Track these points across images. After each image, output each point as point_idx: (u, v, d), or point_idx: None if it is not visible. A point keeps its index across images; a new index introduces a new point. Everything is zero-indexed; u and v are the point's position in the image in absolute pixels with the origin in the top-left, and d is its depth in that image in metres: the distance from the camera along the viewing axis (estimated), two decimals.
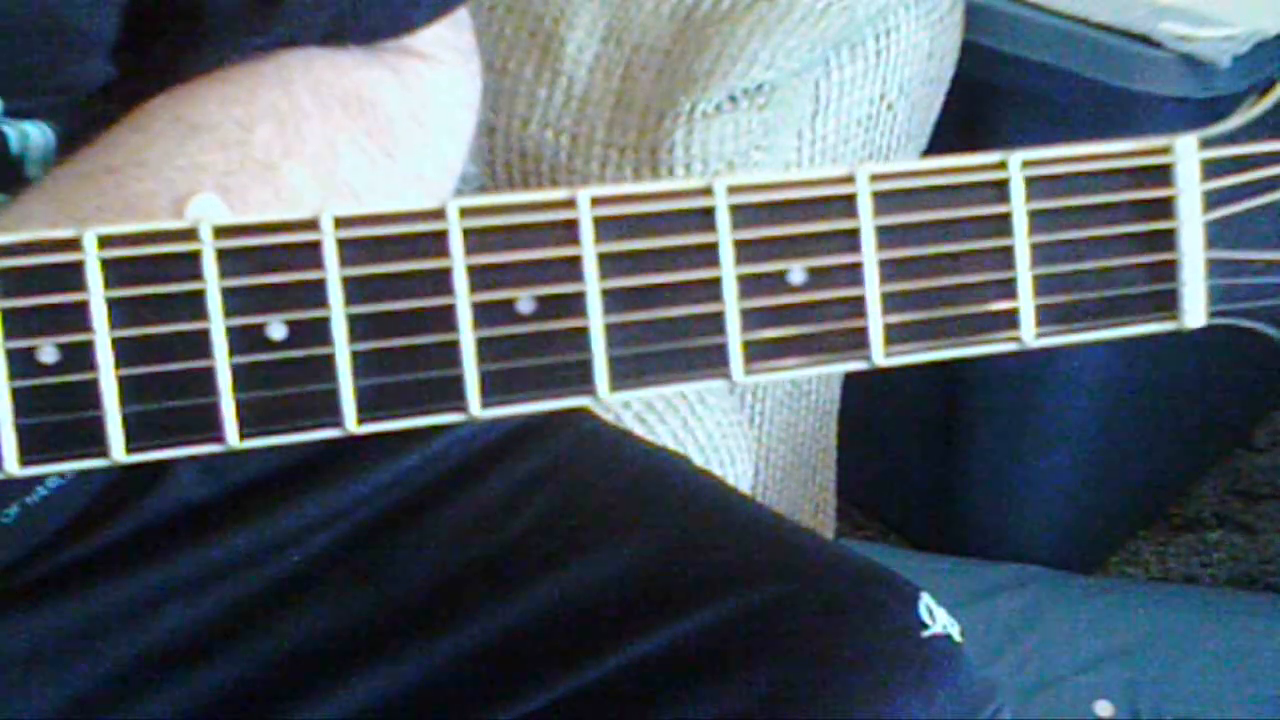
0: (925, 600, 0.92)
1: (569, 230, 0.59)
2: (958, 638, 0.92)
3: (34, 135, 0.80)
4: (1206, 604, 1.92)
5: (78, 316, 0.57)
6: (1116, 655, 1.83)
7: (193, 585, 0.90)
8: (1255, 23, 1.74)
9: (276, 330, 0.58)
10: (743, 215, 0.60)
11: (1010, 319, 0.61)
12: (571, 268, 0.59)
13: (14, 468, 0.57)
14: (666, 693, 0.88)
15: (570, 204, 0.59)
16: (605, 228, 0.59)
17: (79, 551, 0.88)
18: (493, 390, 0.60)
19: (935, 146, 1.78)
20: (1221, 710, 1.77)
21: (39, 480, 0.85)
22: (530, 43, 1.68)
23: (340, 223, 0.58)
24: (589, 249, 0.59)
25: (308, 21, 0.84)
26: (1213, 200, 0.62)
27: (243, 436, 0.59)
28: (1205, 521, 2.11)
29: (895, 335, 0.62)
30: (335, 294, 0.58)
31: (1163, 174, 0.62)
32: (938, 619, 0.91)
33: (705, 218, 0.60)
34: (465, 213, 0.59)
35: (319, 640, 0.91)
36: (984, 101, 1.82)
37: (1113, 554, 2.08)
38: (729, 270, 0.60)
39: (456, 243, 0.59)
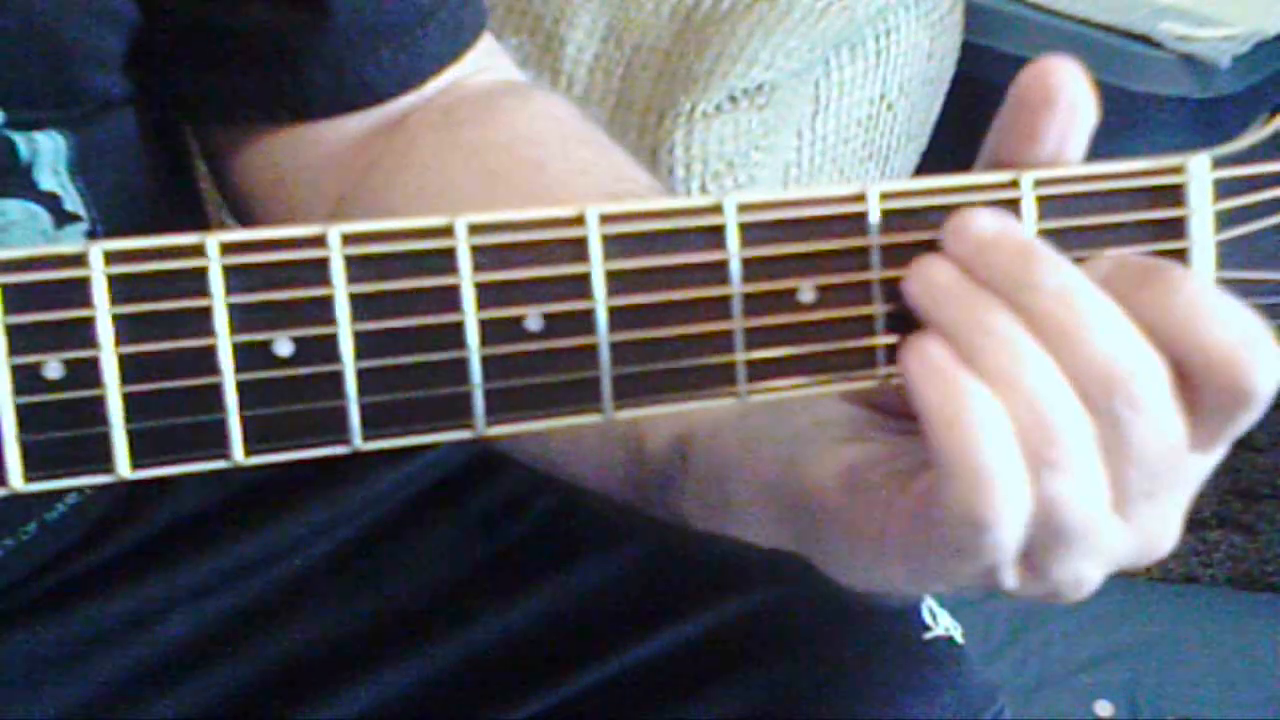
0: (928, 602, 0.92)
1: (578, 247, 0.59)
2: (960, 639, 0.92)
3: (44, 143, 0.80)
4: (1206, 604, 1.92)
5: (84, 332, 0.57)
6: (1116, 655, 1.83)
7: (195, 593, 0.90)
8: (1255, 23, 1.74)
9: (283, 347, 0.58)
10: (752, 233, 0.60)
11: None
12: (580, 285, 0.59)
13: (19, 484, 0.57)
14: (667, 696, 0.88)
15: (579, 221, 0.59)
16: (614, 245, 0.59)
17: (86, 564, 0.88)
18: (500, 408, 0.60)
19: (935, 146, 1.78)
20: (1221, 710, 1.77)
21: (59, 497, 0.85)
22: (530, 43, 1.68)
23: (348, 239, 0.58)
24: (597, 266, 0.59)
25: (364, 52, 0.85)
26: (1224, 220, 0.62)
27: (249, 453, 0.58)
28: (1205, 521, 2.11)
29: None
30: (342, 310, 0.58)
31: (1175, 194, 0.62)
32: (940, 621, 0.91)
33: (714, 235, 0.60)
34: (474, 229, 0.58)
35: (320, 645, 0.91)
36: (984, 101, 1.81)
37: None
38: (738, 288, 0.60)
39: (464, 259, 0.58)
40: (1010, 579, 0.62)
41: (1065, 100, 0.61)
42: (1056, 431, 0.59)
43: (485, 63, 0.90)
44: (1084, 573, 0.63)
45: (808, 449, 0.66)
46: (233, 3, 0.83)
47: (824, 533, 0.66)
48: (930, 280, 0.60)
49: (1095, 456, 0.60)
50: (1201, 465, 0.63)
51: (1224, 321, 0.60)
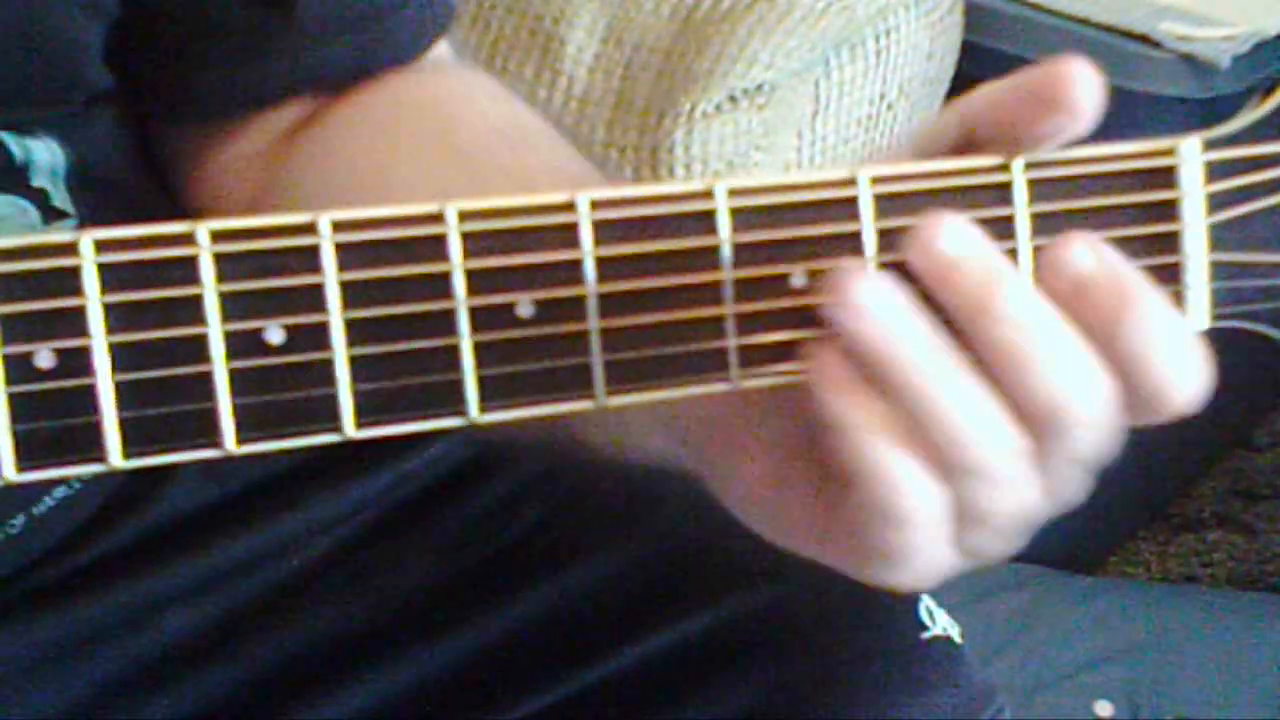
0: (925, 601, 0.92)
1: (568, 233, 0.59)
2: (958, 639, 0.92)
3: (39, 150, 0.80)
4: (1206, 604, 1.92)
5: (75, 321, 0.56)
6: (1116, 655, 1.83)
7: (193, 590, 0.90)
8: (1255, 23, 1.74)
9: (275, 335, 0.58)
10: (743, 218, 0.60)
11: None
12: (571, 271, 0.59)
13: (11, 474, 0.57)
14: (665, 695, 0.88)
15: (570, 207, 0.59)
16: (605, 231, 0.59)
17: (81, 559, 0.88)
18: (492, 394, 0.59)
19: None
20: (1221, 710, 1.77)
21: (46, 490, 0.85)
22: (530, 43, 1.68)
23: (338, 226, 0.58)
24: (588, 252, 0.59)
25: (324, 41, 0.84)
26: (1216, 202, 0.62)
27: (240, 442, 0.58)
28: (1205, 521, 2.11)
29: None
30: (333, 298, 0.58)
31: (1167, 176, 0.62)
32: (938, 620, 0.91)
33: (706, 220, 0.60)
34: (464, 216, 0.58)
35: (319, 644, 0.91)
36: None
37: (1113, 554, 2.08)
38: (729, 273, 0.60)
39: (455, 246, 0.58)
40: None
41: (1078, 111, 0.61)
42: (978, 450, 0.59)
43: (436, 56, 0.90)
44: (1009, 545, 0.63)
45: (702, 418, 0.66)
46: None
47: (737, 501, 0.66)
48: (866, 309, 0.59)
49: (1026, 465, 0.60)
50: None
51: (1177, 360, 0.61)
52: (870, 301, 0.58)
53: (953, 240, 0.60)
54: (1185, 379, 0.61)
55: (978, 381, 0.59)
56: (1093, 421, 0.60)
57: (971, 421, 0.59)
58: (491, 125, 0.83)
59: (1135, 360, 0.60)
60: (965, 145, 0.62)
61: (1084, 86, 0.60)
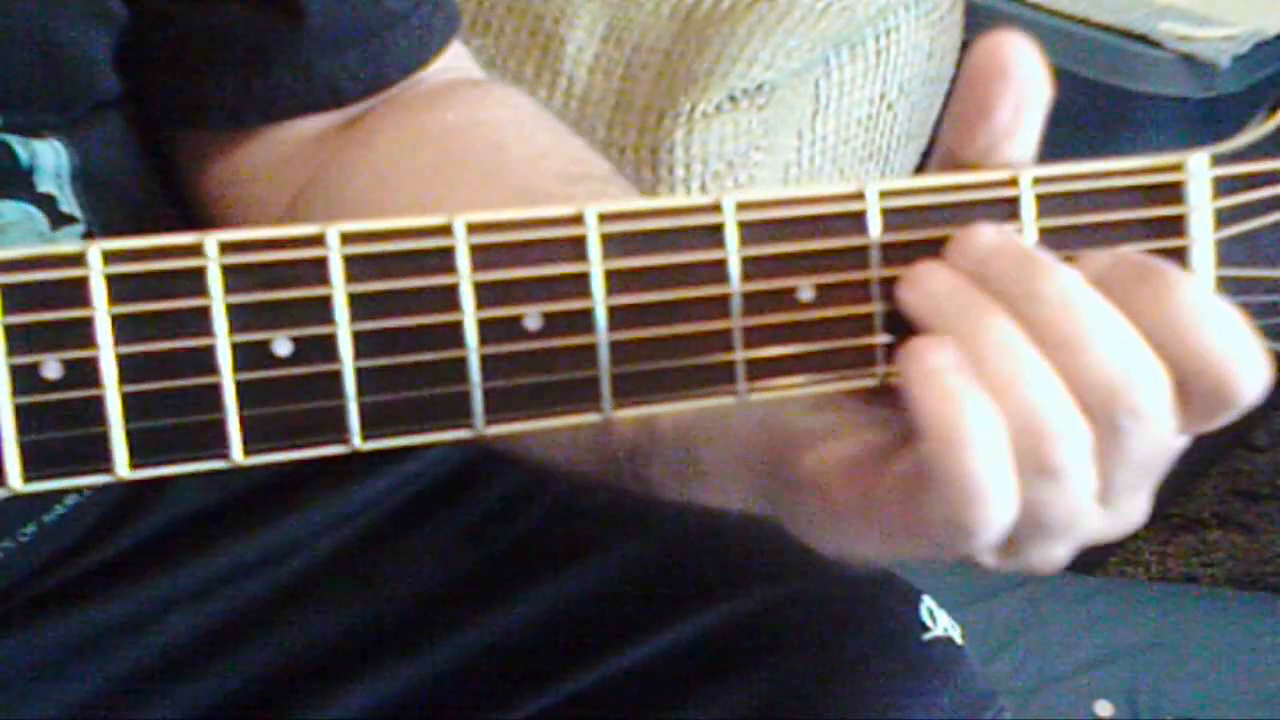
0: (927, 602, 0.92)
1: (577, 246, 0.59)
2: (959, 640, 0.92)
3: (44, 153, 0.80)
4: (1206, 604, 1.92)
5: (82, 332, 0.56)
6: (1116, 655, 1.83)
7: (196, 593, 0.90)
8: (1255, 23, 1.74)
9: (282, 346, 0.58)
10: (751, 231, 0.60)
11: None
12: (579, 284, 0.59)
13: (18, 484, 0.57)
14: (666, 696, 0.88)
15: (578, 220, 0.59)
16: (613, 244, 0.59)
17: (87, 564, 0.88)
18: (499, 407, 0.59)
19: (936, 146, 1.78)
20: (1221, 710, 1.77)
21: (57, 499, 0.85)
22: (530, 43, 1.68)
23: (347, 238, 0.58)
24: (596, 265, 0.59)
25: (333, 53, 0.85)
26: (1224, 218, 0.62)
27: (247, 453, 0.58)
28: (1205, 521, 2.11)
29: None
30: (341, 310, 0.58)
31: (1174, 191, 0.62)
32: (939, 621, 0.91)
33: (714, 234, 0.60)
34: (472, 228, 0.58)
35: (320, 646, 0.91)
36: None
37: (1113, 554, 2.08)
38: (737, 287, 0.60)
39: (463, 258, 0.58)
40: (987, 560, 0.62)
41: (1019, 71, 0.61)
42: (1054, 441, 0.59)
43: (450, 64, 0.90)
44: (1058, 553, 0.63)
45: (792, 433, 0.66)
46: (210, 3, 0.83)
47: (805, 509, 0.66)
48: (928, 289, 0.60)
49: (1089, 462, 0.60)
50: (1176, 448, 0.63)
51: (1218, 330, 0.60)
52: (944, 287, 0.60)
53: (987, 232, 0.60)
54: (1235, 360, 0.60)
55: (1048, 364, 0.59)
56: (1151, 411, 0.60)
57: (1049, 406, 0.59)
58: (552, 167, 0.83)
59: (1176, 339, 0.60)
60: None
61: (1014, 50, 0.61)
